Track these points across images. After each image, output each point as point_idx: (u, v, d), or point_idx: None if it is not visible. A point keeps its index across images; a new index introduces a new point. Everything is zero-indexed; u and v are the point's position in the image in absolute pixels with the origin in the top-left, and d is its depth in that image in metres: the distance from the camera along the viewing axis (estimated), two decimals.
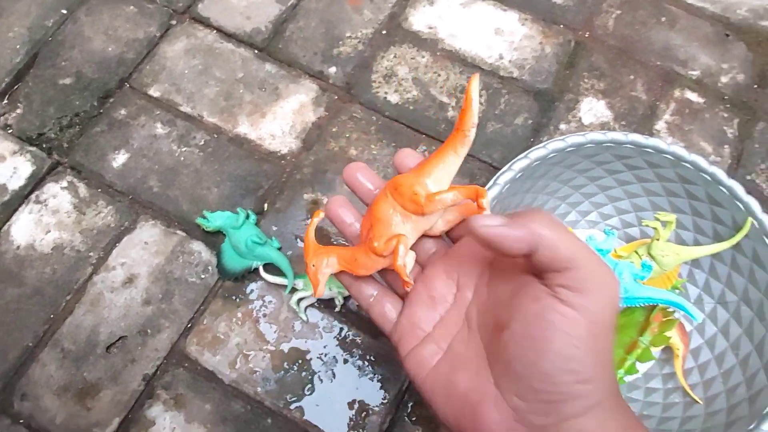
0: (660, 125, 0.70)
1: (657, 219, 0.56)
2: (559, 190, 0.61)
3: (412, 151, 0.35)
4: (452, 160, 0.32)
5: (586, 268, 0.26)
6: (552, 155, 0.54)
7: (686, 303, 0.52)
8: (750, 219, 0.53)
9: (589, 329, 0.25)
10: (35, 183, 0.64)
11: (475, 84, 0.30)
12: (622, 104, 0.71)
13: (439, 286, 0.33)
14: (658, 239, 0.56)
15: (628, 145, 0.55)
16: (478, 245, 0.29)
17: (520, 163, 0.53)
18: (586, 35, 0.75)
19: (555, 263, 0.26)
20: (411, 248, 0.33)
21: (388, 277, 0.36)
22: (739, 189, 0.53)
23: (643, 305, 0.54)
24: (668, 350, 0.57)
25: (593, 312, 0.25)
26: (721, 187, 0.54)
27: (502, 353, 0.27)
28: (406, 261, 0.32)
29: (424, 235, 0.34)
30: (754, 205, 0.53)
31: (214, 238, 0.61)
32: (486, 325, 0.29)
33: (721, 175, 0.53)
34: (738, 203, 0.53)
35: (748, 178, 0.68)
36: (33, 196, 0.63)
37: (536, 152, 0.53)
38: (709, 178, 0.54)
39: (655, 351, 0.57)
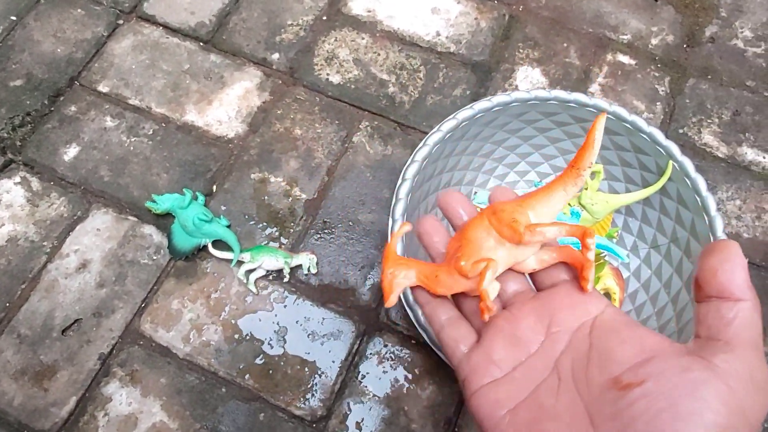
0: (594, 87, 0.72)
1: None
2: (494, 152, 0.63)
3: (508, 188, 0.34)
4: (560, 197, 0.31)
5: (749, 353, 0.24)
6: (479, 115, 0.56)
7: (610, 244, 0.54)
8: (671, 162, 0.55)
9: (739, 418, 0.23)
10: None
11: (600, 124, 0.29)
12: (556, 70, 0.73)
13: (526, 328, 0.30)
14: (586, 188, 0.58)
15: (553, 101, 0.57)
16: (578, 295, 0.29)
17: (448, 124, 0.55)
18: (520, 9, 0.77)
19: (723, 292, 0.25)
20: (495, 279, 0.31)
21: (465, 307, 0.33)
22: (659, 135, 0.56)
23: None
24: (606, 295, 0.59)
25: (746, 407, 0.23)
26: (642, 135, 0.56)
27: (623, 410, 0.24)
28: (491, 288, 0.30)
29: (511, 270, 0.32)
30: (674, 148, 0.55)
31: (165, 221, 0.63)
32: (592, 379, 0.26)
33: (641, 122, 0.56)
34: (659, 148, 0.56)
35: (681, 131, 0.70)
36: None
37: (463, 113, 0.56)
38: (630, 126, 0.56)
39: None
